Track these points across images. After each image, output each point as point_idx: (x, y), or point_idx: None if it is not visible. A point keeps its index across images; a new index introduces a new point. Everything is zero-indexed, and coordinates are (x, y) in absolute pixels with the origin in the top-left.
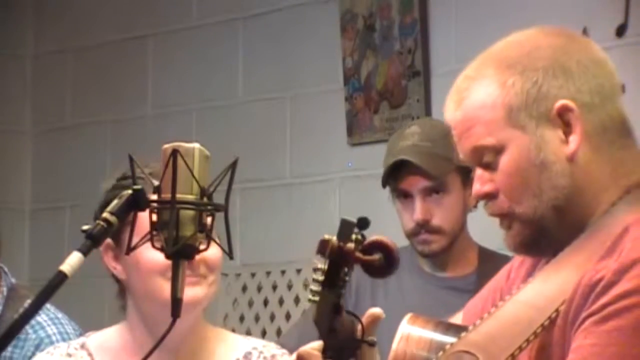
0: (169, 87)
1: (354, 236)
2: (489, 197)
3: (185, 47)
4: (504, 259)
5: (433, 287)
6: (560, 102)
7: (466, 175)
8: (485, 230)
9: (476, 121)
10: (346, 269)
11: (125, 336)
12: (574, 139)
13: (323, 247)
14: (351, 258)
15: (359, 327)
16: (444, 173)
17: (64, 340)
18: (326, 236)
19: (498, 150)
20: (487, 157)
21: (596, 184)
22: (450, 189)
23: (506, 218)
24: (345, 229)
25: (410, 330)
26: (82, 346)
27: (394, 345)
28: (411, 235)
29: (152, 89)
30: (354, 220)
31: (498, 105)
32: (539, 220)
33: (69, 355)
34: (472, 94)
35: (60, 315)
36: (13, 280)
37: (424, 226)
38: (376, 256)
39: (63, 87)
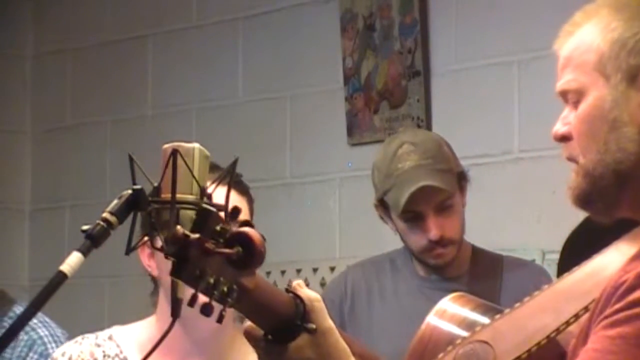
0: (169, 87)
1: (218, 227)
2: (564, 139)
3: (185, 47)
4: (496, 259)
5: (427, 289)
6: None
7: (461, 180)
8: (482, 230)
9: (570, 62)
10: (205, 262)
11: (153, 331)
12: None
13: (172, 238)
14: (200, 249)
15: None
16: (454, 187)
17: (55, 342)
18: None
19: (580, 95)
20: (571, 99)
21: None
22: (455, 200)
23: (575, 164)
24: (201, 218)
25: (448, 307)
26: (110, 338)
27: (427, 318)
28: (424, 252)
29: (152, 89)
30: (212, 208)
31: (593, 49)
32: (597, 178)
33: (98, 345)
34: (579, 32)
35: (47, 319)
36: None
37: (439, 242)
38: (234, 249)
39: (63, 87)
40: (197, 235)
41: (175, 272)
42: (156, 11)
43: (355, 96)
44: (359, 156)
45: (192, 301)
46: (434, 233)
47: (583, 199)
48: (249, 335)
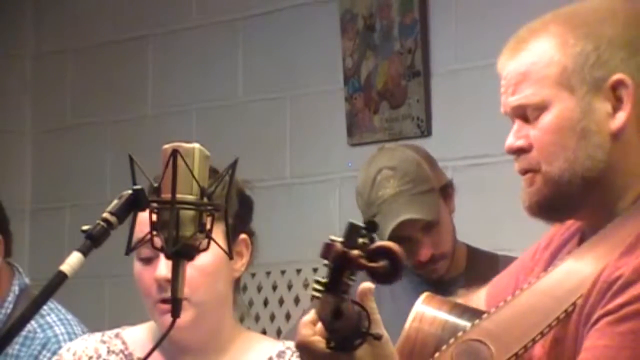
0: (169, 87)
1: (360, 240)
2: (521, 151)
3: (185, 47)
4: (492, 259)
5: (423, 291)
6: (617, 75)
7: (445, 191)
8: (482, 230)
9: (526, 77)
10: (350, 273)
11: (157, 332)
12: (621, 116)
13: (327, 251)
14: (355, 264)
15: (366, 319)
16: (436, 210)
17: (71, 340)
18: (332, 238)
19: (542, 107)
20: (530, 113)
21: (632, 169)
22: (441, 216)
23: (531, 173)
24: (351, 233)
25: (425, 310)
26: (117, 336)
27: (407, 323)
28: (417, 268)
29: (152, 89)
30: (361, 224)
31: (553, 63)
32: (564, 185)
33: (103, 342)
34: (530, 47)
35: (70, 316)
36: (27, 280)
37: (430, 260)
38: (381, 263)
39: (63, 87)
40: (357, 252)
41: (330, 288)
42: (156, 11)
43: (355, 96)
44: (359, 156)
45: (339, 315)
46: (423, 255)
47: (543, 205)
48: (305, 348)
